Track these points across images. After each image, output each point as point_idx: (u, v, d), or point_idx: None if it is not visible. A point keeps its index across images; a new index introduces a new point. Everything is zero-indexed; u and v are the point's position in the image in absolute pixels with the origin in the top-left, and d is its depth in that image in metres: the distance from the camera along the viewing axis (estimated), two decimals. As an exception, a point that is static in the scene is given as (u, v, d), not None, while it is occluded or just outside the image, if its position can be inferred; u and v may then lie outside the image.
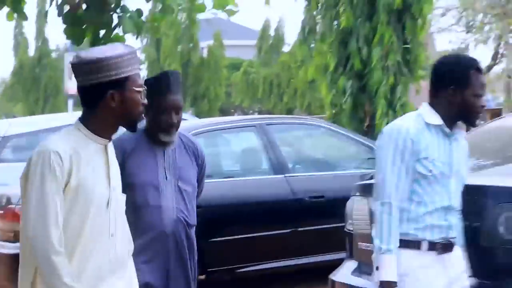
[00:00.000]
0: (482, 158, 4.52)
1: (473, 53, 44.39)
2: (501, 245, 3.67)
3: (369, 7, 8.31)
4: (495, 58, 33.92)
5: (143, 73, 32.03)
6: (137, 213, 3.77)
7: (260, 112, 33.95)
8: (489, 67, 34.08)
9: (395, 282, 3.21)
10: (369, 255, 4.26)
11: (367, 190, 4.42)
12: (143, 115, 2.79)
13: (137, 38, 4.68)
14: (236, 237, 6.85)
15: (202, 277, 7.13)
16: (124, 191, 3.41)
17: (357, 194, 4.48)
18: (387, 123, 9.01)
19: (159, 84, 3.83)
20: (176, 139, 3.96)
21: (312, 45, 9.13)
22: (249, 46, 38.04)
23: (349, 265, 4.42)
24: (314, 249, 7.02)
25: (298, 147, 8.10)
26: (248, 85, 34.79)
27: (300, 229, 6.96)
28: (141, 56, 35.31)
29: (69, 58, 25.07)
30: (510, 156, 4.40)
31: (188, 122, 8.55)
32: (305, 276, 7.28)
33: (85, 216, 2.67)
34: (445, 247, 3.26)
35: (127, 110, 2.70)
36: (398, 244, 3.24)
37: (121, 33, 4.66)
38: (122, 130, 3.00)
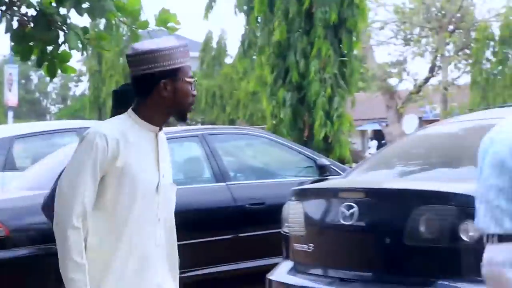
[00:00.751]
0: (409, 164, 4.86)
1: (411, 65, 45.23)
2: (423, 244, 3.99)
3: (306, 21, 8.62)
4: (432, 70, 34.59)
5: (84, 84, 31.95)
6: None
7: (203, 123, 34.08)
8: (427, 79, 34.81)
9: None
10: (303, 255, 4.58)
11: (301, 195, 4.72)
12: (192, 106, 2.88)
13: (82, 54, 4.84)
14: (180, 243, 7.07)
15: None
16: None
17: (293, 198, 4.76)
18: (325, 133, 9.39)
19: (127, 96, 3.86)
20: None
21: (254, 57, 9.40)
22: (192, 57, 38.13)
23: (285, 265, 4.70)
24: (255, 254, 7.26)
25: (240, 156, 8.36)
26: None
27: (241, 235, 7.20)
28: (82, 68, 35.06)
29: (8, 70, 24.79)
30: (433, 162, 4.75)
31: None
32: (246, 280, 7.52)
33: (133, 199, 2.74)
34: None
35: (178, 100, 2.78)
36: None
37: (67, 50, 4.79)
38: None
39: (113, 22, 4.98)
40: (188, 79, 2.79)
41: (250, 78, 9.74)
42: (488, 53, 29.83)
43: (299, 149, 7.97)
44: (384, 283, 4.14)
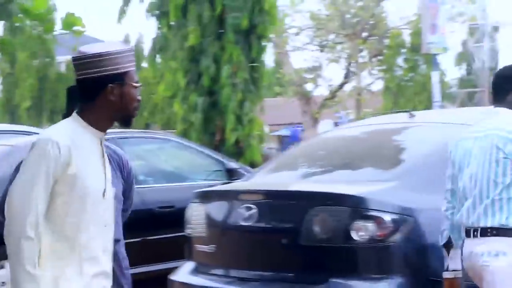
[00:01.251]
0: (310, 166, 5.04)
1: (326, 71, 45.87)
2: (317, 243, 4.16)
3: (218, 27, 8.75)
4: (346, 76, 35.22)
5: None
6: None
7: (119, 127, 33.86)
8: (341, 85, 35.41)
9: None
10: (205, 256, 4.69)
11: (203, 197, 4.83)
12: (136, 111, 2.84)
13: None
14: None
15: None
16: None
17: (195, 201, 4.87)
18: (237, 138, 9.52)
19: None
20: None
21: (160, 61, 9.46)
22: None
23: (188, 266, 4.80)
24: (164, 257, 7.33)
25: (149, 160, 8.41)
26: (107, 100, 34.57)
27: (150, 238, 7.26)
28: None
29: None
30: (333, 164, 4.93)
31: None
32: (155, 284, 7.58)
33: (83, 206, 2.71)
34: None
35: (125, 105, 2.76)
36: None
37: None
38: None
39: (18, 25, 5.00)
40: (134, 84, 2.78)
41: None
42: (400, 60, 30.59)
43: (209, 153, 8.08)
44: (282, 282, 4.28)
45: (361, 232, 3.99)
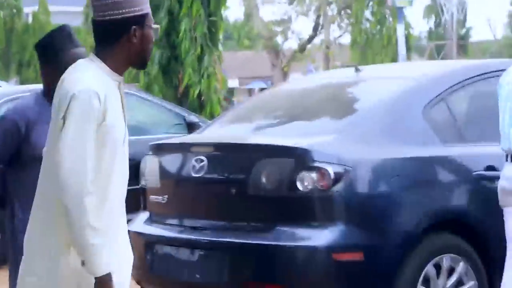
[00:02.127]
0: (262, 119, 5.19)
1: (295, 24, 45.62)
2: (264, 193, 4.34)
3: None
4: (315, 29, 35.24)
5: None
6: None
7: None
8: (310, 39, 35.50)
9: None
10: (159, 206, 4.86)
11: (157, 149, 4.98)
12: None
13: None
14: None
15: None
16: (30, 162, 3.45)
17: (150, 153, 5.01)
18: (199, 91, 9.62)
19: (65, 39, 3.56)
20: None
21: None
22: (76, 12, 37.37)
23: (142, 216, 4.97)
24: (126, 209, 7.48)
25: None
26: (75, 52, 34.32)
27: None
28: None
29: None
30: (285, 116, 5.08)
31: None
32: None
33: (114, 154, 2.64)
34: None
35: (144, 47, 2.70)
36: None
37: None
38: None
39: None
40: (152, 25, 2.71)
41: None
42: (368, 13, 30.63)
43: (169, 107, 8.19)
44: (232, 230, 4.46)
45: (305, 182, 4.17)
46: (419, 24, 43.80)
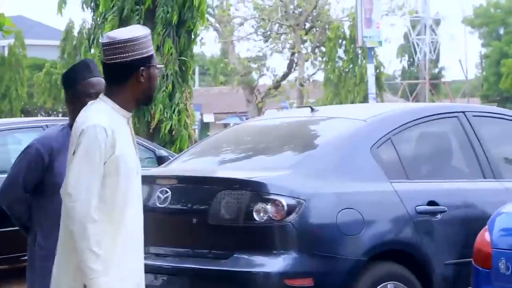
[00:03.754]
0: (224, 153, 5.55)
1: (270, 61, 46.15)
2: (223, 223, 4.68)
3: (145, 20, 9.10)
4: (290, 67, 35.63)
5: None
6: None
7: (64, 114, 33.81)
8: (285, 76, 35.88)
9: None
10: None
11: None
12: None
13: None
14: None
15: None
16: (52, 191, 3.54)
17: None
18: (170, 127, 9.93)
19: (81, 72, 3.71)
20: None
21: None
22: (53, 46, 37.65)
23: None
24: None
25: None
26: (51, 85, 34.53)
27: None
28: None
29: None
30: (245, 151, 5.44)
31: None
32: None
33: (129, 184, 2.86)
34: None
35: (151, 85, 2.93)
36: None
37: None
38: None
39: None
40: (157, 65, 2.95)
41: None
42: (341, 52, 31.20)
43: (141, 142, 8.53)
44: (193, 257, 4.79)
45: (261, 213, 4.52)
46: (393, 62, 44.52)
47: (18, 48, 33.66)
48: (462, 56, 67.92)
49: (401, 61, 54.14)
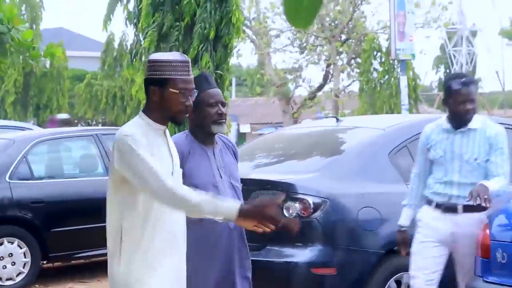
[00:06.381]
0: (259, 157, 6.17)
1: (305, 72, 46.50)
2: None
3: (185, 36, 9.45)
4: (325, 78, 35.95)
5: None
6: None
7: (103, 124, 34.49)
8: (320, 87, 36.21)
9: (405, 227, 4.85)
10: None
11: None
12: (186, 115, 3.14)
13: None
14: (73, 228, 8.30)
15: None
16: None
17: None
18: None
19: (199, 82, 3.87)
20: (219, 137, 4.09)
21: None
22: (93, 57, 38.39)
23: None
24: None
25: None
26: (91, 96, 35.22)
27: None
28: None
29: None
30: (273, 158, 6.05)
31: (33, 131, 9.93)
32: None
33: None
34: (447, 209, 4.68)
35: (166, 106, 3.12)
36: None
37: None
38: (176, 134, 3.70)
39: (9, 50, 6.13)
40: (174, 90, 3.10)
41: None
42: (376, 63, 31.52)
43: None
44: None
45: (290, 210, 5.13)
46: (429, 74, 44.62)
47: (59, 60, 34.41)
48: (499, 67, 67.75)
49: (436, 72, 54.25)
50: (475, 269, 4.72)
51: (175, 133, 4.56)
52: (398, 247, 4.90)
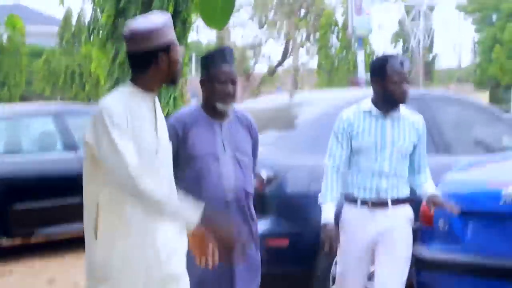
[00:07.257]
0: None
1: (264, 48, 46.39)
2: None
3: (143, 10, 9.40)
4: (285, 54, 35.93)
5: None
6: (199, 182, 3.88)
7: (61, 101, 34.13)
8: (279, 63, 36.25)
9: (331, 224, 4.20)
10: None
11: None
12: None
13: None
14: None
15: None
16: (186, 162, 3.83)
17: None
18: (167, 114, 10.44)
19: (215, 57, 3.92)
20: (231, 112, 4.04)
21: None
22: (52, 33, 37.93)
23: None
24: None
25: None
26: (50, 73, 34.83)
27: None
28: None
29: None
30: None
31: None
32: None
33: (140, 161, 2.89)
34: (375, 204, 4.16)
35: (172, 69, 3.03)
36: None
37: None
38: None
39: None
40: (176, 51, 3.04)
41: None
42: (334, 39, 31.57)
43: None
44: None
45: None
46: (386, 49, 44.77)
47: (16, 36, 33.87)
48: (456, 42, 68.37)
49: (395, 46, 54.59)
50: (421, 237, 4.92)
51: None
52: (325, 247, 4.27)
